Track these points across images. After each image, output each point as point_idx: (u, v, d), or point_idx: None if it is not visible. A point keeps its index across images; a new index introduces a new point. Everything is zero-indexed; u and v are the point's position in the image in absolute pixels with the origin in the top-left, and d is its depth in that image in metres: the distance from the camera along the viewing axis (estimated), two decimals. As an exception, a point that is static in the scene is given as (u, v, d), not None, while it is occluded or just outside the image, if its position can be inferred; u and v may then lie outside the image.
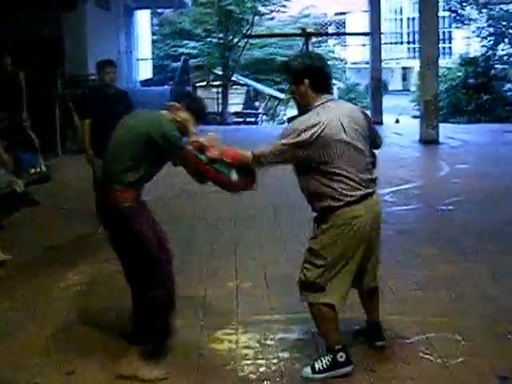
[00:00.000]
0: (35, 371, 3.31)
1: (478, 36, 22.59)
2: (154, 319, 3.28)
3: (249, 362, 3.42)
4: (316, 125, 3.01)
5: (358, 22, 37.42)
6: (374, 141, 3.32)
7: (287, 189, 8.11)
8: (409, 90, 38.35)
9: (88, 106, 5.85)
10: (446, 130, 13.22)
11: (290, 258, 5.22)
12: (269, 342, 3.65)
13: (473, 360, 3.38)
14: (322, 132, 3.01)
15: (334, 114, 3.07)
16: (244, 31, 25.55)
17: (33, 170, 7.63)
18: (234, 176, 3.23)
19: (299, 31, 20.53)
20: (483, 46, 22.12)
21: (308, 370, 3.25)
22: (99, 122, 5.34)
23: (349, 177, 3.07)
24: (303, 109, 3.16)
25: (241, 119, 24.80)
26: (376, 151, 3.37)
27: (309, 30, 15.34)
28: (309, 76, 3.05)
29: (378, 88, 16.26)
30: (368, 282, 3.38)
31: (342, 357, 3.21)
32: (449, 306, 4.15)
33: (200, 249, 5.57)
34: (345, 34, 36.70)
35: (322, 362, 3.23)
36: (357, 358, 3.41)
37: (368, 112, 18.08)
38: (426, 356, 3.44)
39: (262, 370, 3.33)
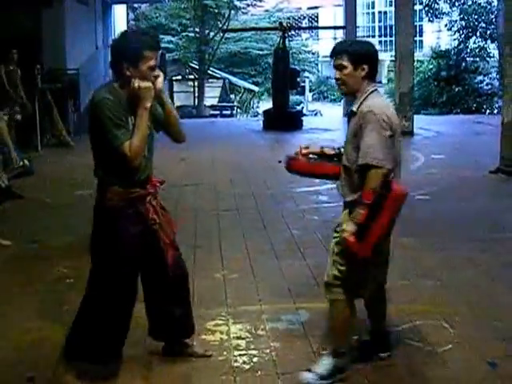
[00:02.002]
0: (29, 365, 3.27)
1: (449, 29, 22.89)
2: (94, 339, 2.99)
3: (241, 352, 3.43)
4: (390, 113, 2.99)
5: (330, 15, 37.69)
6: None
7: (267, 178, 8.21)
8: (380, 82, 38.71)
9: None
10: (419, 122, 13.38)
11: (274, 248, 5.27)
12: (260, 332, 3.66)
13: (461, 347, 3.44)
14: (393, 120, 2.99)
15: (388, 103, 3.10)
16: (220, 25, 25.56)
17: (16, 165, 7.58)
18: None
19: (274, 25, 20.60)
20: (455, 39, 22.44)
21: (310, 375, 3.12)
22: None
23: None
24: (348, 93, 3.11)
25: (217, 112, 24.79)
26: None
27: (286, 24, 15.32)
28: (369, 63, 3.02)
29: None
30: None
31: (343, 363, 3.14)
32: (435, 294, 4.21)
33: (184, 240, 5.51)
34: (320, 27, 36.84)
35: (324, 366, 3.13)
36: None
37: (341, 103, 18.17)
38: (416, 343, 3.48)
39: (255, 360, 3.34)
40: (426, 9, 23.50)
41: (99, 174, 2.95)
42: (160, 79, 2.91)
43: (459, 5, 22.41)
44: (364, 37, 32.50)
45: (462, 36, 22.18)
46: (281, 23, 15.41)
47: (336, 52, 3.06)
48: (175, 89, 25.67)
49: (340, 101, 24.73)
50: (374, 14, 48.90)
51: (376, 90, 3.07)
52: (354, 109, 3.05)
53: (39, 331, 3.65)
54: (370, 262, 3.02)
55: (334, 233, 3.15)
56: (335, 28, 26.88)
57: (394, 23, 13.65)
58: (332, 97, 34.23)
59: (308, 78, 33.09)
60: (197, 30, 26.49)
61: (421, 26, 37.40)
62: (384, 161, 2.88)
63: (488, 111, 20.56)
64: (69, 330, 3.06)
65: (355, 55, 3.01)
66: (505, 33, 9.02)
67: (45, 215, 6.14)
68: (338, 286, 3.09)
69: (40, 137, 10.14)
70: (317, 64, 36.66)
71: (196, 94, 26.23)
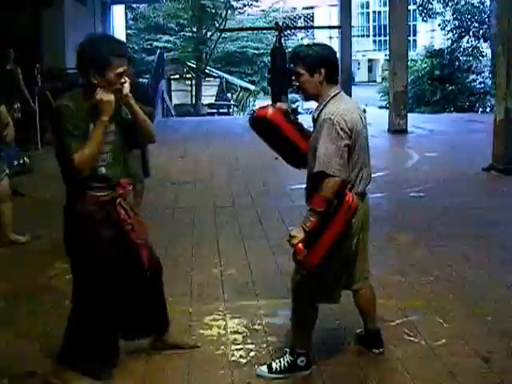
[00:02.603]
0: (30, 359, 3.31)
1: (443, 29, 23.03)
2: (78, 341, 2.99)
3: (239, 346, 3.47)
4: (350, 118, 2.90)
5: (326, 15, 37.84)
6: None
7: (264, 176, 8.26)
8: (375, 81, 38.79)
9: None
10: (413, 120, 13.46)
11: (271, 244, 5.32)
12: (257, 327, 3.71)
13: (455, 342, 3.49)
14: (354, 125, 2.91)
15: (351, 106, 3.00)
16: (217, 25, 25.79)
17: (16, 163, 7.61)
18: None
19: (270, 25, 20.75)
20: (448, 38, 22.58)
21: (264, 368, 3.17)
22: None
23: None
24: (309, 98, 3.09)
25: (214, 110, 24.92)
26: None
27: (281, 24, 15.41)
28: (325, 66, 2.95)
29: (348, 79, 16.43)
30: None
31: (302, 361, 3.14)
32: (428, 290, 4.26)
33: (182, 237, 5.60)
34: (315, 27, 36.97)
35: (280, 362, 3.16)
36: (344, 340, 3.52)
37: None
38: (411, 338, 3.53)
39: (252, 354, 3.39)
40: (420, 9, 23.69)
41: (68, 180, 2.93)
42: (126, 85, 2.89)
43: (452, 5, 22.57)
44: (358, 36, 32.65)
45: (455, 35, 22.34)
46: (277, 23, 15.47)
47: (291, 59, 3.02)
48: (173, 87, 25.90)
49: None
50: (368, 13, 49.18)
51: (339, 92, 2.99)
52: (315, 115, 3.00)
53: (40, 326, 3.69)
54: (327, 269, 2.96)
55: None
56: (330, 28, 27.06)
57: (388, 23, 13.72)
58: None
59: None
60: (194, 29, 26.94)
61: (415, 25, 37.61)
62: (338, 170, 2.82)
63: (481, 110, 20.69)
64: (62, 340, 3.04)
65: (309, 61, 2.93)
66: (497, 32, 9.10)
67: (45, 212, 6.17)
68: (300, 290, 3.08)
69: (40, 135, 10.18)
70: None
71: (193, 93, 26.51)
